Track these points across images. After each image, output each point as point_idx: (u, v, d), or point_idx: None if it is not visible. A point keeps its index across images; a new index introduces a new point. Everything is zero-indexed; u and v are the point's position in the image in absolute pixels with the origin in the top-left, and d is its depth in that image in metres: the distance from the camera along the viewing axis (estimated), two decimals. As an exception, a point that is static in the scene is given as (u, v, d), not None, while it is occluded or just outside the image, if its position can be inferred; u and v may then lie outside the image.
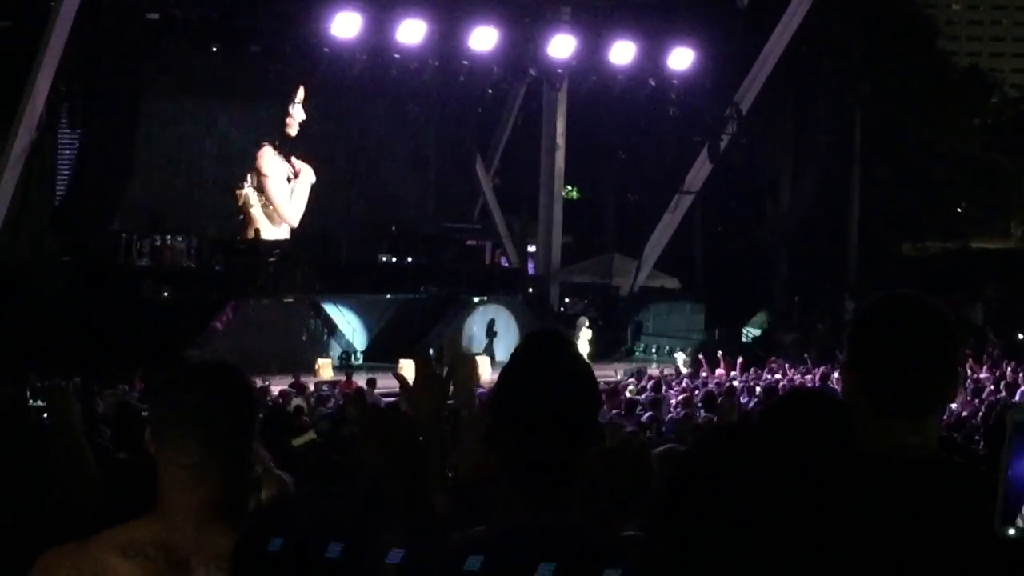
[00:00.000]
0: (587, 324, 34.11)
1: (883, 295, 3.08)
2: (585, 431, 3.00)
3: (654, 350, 37.57)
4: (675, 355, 35.32)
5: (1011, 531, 2.36)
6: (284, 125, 35.71)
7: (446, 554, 2.58)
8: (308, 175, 36.28)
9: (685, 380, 27.71)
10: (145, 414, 9.92)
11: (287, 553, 2.59)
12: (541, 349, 3.07)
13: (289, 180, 36.10)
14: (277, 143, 35.68)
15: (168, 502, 3.07)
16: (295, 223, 36.00)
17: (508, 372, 3.06)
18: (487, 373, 29.78)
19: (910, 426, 2.90)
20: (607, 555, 2.44)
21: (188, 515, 3.04)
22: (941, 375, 2.96)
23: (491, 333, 34.53)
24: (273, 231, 35.17)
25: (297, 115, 35.66)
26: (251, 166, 35.57)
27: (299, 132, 35.96)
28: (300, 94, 35.47)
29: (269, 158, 35.50)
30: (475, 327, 34.65)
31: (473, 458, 3.43)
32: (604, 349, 37.07)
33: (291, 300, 32.36)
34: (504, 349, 33.59)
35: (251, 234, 34.19)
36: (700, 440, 2.77)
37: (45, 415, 6.24)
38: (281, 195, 35.73)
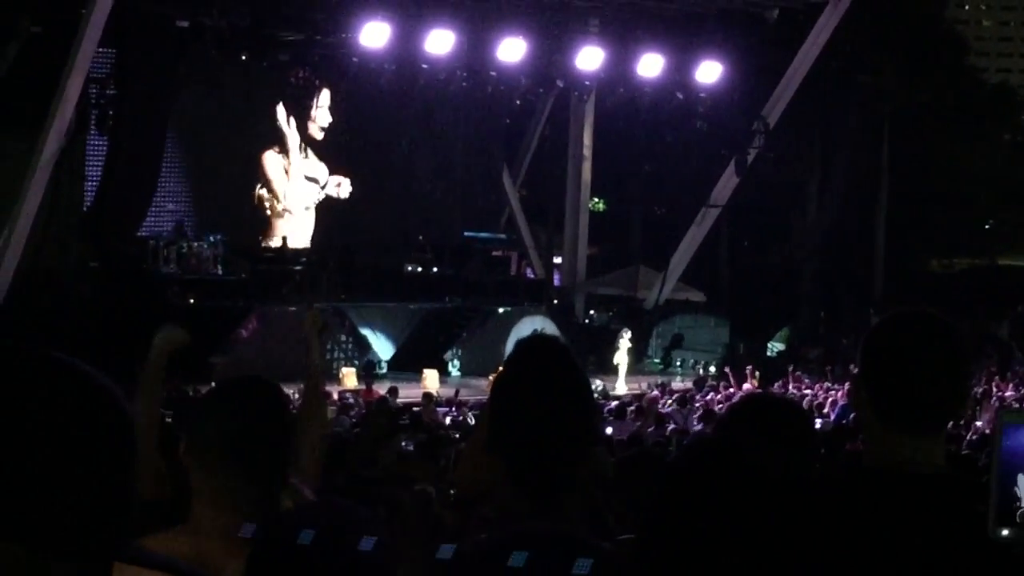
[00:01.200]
0: (629, 335, 34.02)
1: (897, 311, 3.09)
2: (582, 435, 3.01)
3: (679, 363, 37.52)
4: (704, 369, 35.29)
5: (1005, 532, 2.36)
6: (305, 128, 35.77)
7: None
8: (346, 187, 36.47)
9: (708, 393, 27.66)
10: (169, 420, 9.95)
11: (317, 546, 2.59)
12: (537, 355, 3.09)
13: (316, 182, 36.18)
14: (284, 147, 35.66)
15: (200, 516, 3.07)
16: (303, 219, 36.08)
17: (505, 378, 3.08)
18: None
19: (918, 442, 2.90)
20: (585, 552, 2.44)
21: (220, 531, 3.02)
22: (951, 392, 2.96)
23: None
24: (296, 233, 35.21)
25: (320, 119, 35.69)
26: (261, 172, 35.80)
27: (326, 138, 36.04)
28: (324, 97, 35.50)
29: (269, 161, 35.50)
30: (517, 338, 34.66)
31: (473, 473, 3.43)
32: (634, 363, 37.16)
33: (316, 308, 32.38)
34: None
35: (276, 241, 34.30)
36: (683, 449, 2.78)
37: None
38: (292, 196, 35.74)
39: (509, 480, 2.99)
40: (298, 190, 35.88)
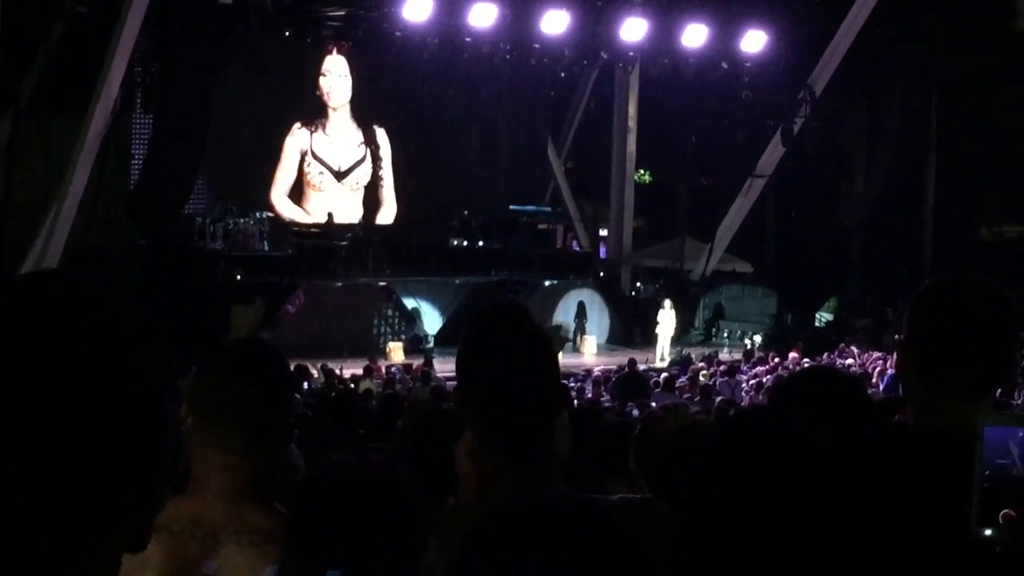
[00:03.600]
0: (670, 305, 33.92)
1: (943, 277, 3.07)
2: (550, 395, 3.04)
3: (726, 334, 37.40)
4: (751, 340, 35.17)
5: (988, 532, 2.35)
6: (318, 98, 35.68)
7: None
8: (383, 142, 36.47)
9: (756, 365, 27.58)
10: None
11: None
12: (500, 318, 3.14)
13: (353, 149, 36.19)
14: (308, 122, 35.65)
15: (202, 480, 3.08)
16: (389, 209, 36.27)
17: (470, 345, 3.11)
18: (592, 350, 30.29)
19: (964, 408, 2.87)
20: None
21: (221, 493, 3.05)
22: (997, 359, 2.94)
23: (581, 315, 34.68)
24: (341, 209, 35.26)
25: (325, 86, 35.51)
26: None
27: (369, 111, 35.98)
28: (326, 63, 35.33)
29: (292, 135, 35.50)
30: (564, 311, 34.82)
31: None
32: (681, 333, 37.09)
33: (362, 283, 32.50)
34: (594, 329, 34.03)
35: (318, 216, 34.40)
36: (729, 421, 2.76)
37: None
38: (310, 172, 35.77)
39: (485, 445, 3.02)
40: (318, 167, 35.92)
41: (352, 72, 35.42)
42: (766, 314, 38.13)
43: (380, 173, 36.61)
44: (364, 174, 36.32)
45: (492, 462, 3.01)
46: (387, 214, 36.58)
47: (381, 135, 36.55)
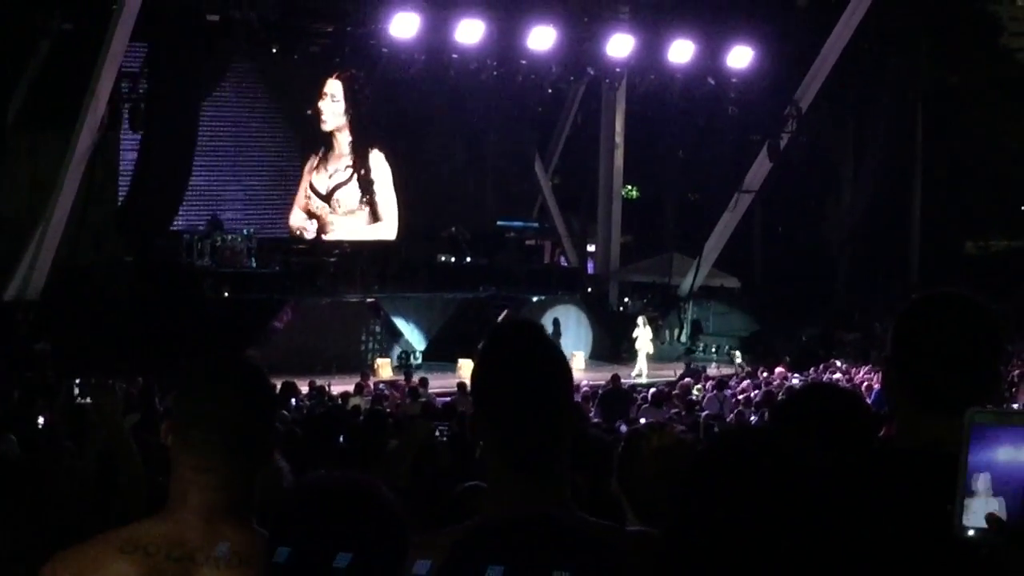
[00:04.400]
0: (646, 323, 34.00)
1: (927, 293, 3.08)
2: (566, 411, 3.05)
3: (713, 350, 37.42)
4: (734, 355, 35.21)
5: (971, 532, 2.36)
6: (317, 123, 35.79)
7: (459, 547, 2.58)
8: (380, 165, 36.56)
9: (745, 380, 27.60)
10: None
11: (293, 565, 2.61)
12: (516, 336, 3.12)
13: (349, 172, 36.26)
14: (318, 153, 35.85)
15: (180, 499, 3.02)
16: (387, 226, 36.36)
17: (485, 361, 3.10)
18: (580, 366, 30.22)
19: (950, 423, 2.88)
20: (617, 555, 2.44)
21: (200, 513, 3.00)
22: (983, 374, 2.95)
23: (557, 332, 34.42)
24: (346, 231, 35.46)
25: (325, 109, 35.65)
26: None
27: (357, 128, 36.06)
28: (328, 86, 35.45)
29: (308, 171, 35.73)
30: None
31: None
32: (662, 349, 37.08)
33: (350, 300, 32.49)
34: (571, 346, 33.68)
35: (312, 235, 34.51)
36: (713, 439, 2.77)
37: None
38: (329, 200, 35.96)
39: (499, 460, 3.01)
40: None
41: (347, 96, 35.52)
42: (753, 329, 38.16)
43: (374, 191, 36.55)
44: (348, 195, 36.26)
45: (505, 479, 3.00)
46: (383, 231, 36.54)
47: (375, 157, 36.52)
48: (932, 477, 2.70)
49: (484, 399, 3.06)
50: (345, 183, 36.26)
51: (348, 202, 36.31)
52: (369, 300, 32.82)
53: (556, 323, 34.14)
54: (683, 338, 38.20)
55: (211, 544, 2.98)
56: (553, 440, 2.99)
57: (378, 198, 36.67)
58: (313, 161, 35.82)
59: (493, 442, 3.02)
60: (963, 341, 2.94)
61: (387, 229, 36.61)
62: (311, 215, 35.72)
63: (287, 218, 35.65)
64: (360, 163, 36.34)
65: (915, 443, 2.91)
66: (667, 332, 37.77)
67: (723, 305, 39.02)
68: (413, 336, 33.53)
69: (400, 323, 33.41)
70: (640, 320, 34.11)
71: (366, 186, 36.45)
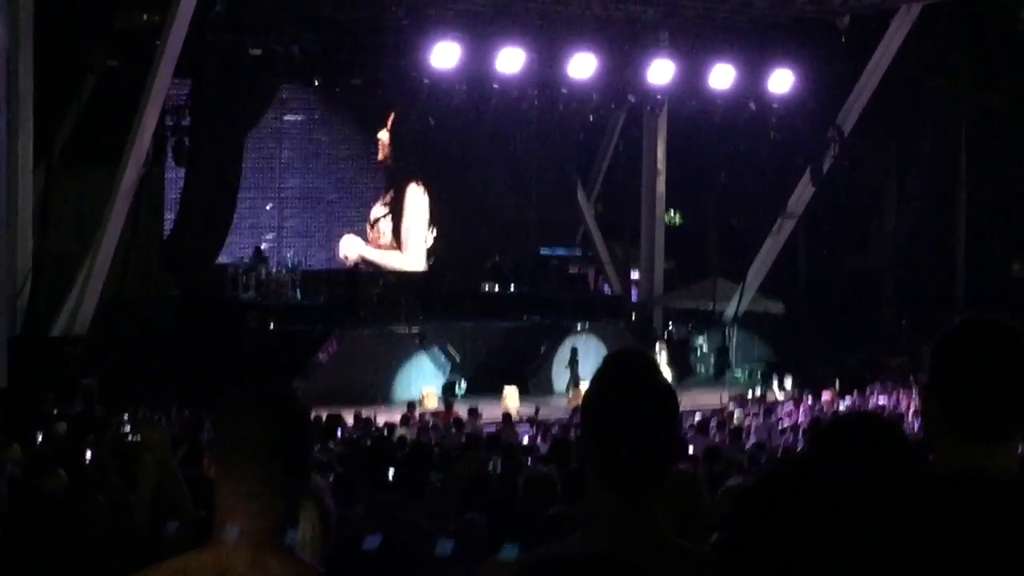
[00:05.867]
0: (660, 348, 33.97)
1: (964, 318, 3.08)
2: (669, 441, 3.16)
3: (759, 375, 37.24)
4: (779, 380, 35.03)
5: None
6: (376, 151, 36.11)
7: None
8: (416, 197, 36.79)
9: (789, 406, 27.47)
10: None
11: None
12: (627, 362, 3.24)
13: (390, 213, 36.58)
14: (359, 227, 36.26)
15: (224, 529, 3.08)
16: (416, 257, 36.63)
17: (596, 387, 3.21)
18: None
19: (990, 450, 2.89)
20: None
21: (244, 542, 3.05)
22: (1022, 399, 2.94)
23: (573, 362, 34.21)
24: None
25: (384, 139, 35.98)
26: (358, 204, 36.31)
27: (394, 157, 36.33)
28: (390, 120, 35.76)
29: (346, 246, 36.02)
30: (560, 357, 34.52)
31: None
32: (709, 374, 36.99)
33: (395, 330, 32.56)
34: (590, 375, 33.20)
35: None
36: (763, 472, 2.79)
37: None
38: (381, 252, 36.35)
39: (599, 484, 3.11)
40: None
41: (392, 135, 35.90)
42: (799, 354, 37.90)
43: (401, 225, 36.75)
44: (386, 227, 36.56)
45: (604, 502, 3.10)
46: (409, 262, 36.66)
47: (412, 191, 36.72)
48: (975, 505, 2.71)
49: (593, 422, 3.15)
50: (384, 216, 36.55)
51: (387, 234, 36.61)
52: (414, 330, 32.87)
53: (574, 353, 34.00)
54: (732, 363, 38.07)
55: (256, 573, 3.04)
56: (654, 467, 3.11)
57: (405, 230, 36.83)
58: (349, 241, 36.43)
59: (597, 465, 3.11)
60: (1003, 368, 2.93)
61: (412, 260, 36.72)
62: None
63: (335, 247, 35.86)
64: (397, 196, 36.58)
65: (957, 470, 2.91)
66: (712, 357, 37.66)
67: (768, 330, 38.84)
68: (459, 366, 33.52)
69: (445, 353, 33.40)
70: (657, 346, 34.02)
71: (397, 220, 36.69)
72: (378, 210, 36.46)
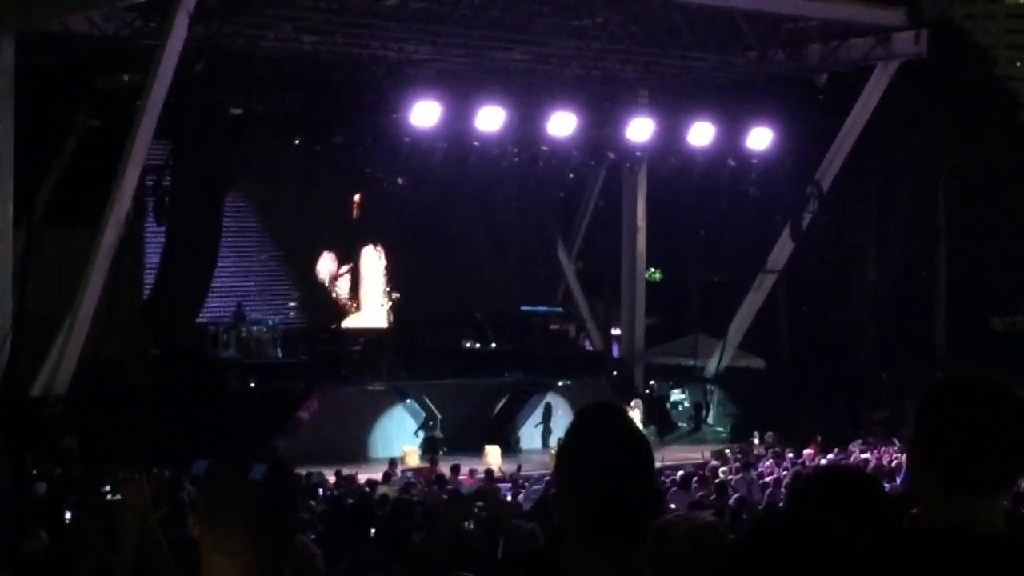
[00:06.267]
0: (634, 404, 34.01)
1: (949, 374, 3.09)
2: (648, 496, 3.09)
3: (741, 431, 37.21)
4: (763, 436, 34.99)
5: None
6: (345, 211, 36.30)
7: None
8: (372, 259, 36.91)
9: (770, 462, 27.44)
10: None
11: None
12: (599, 417, 3.17)
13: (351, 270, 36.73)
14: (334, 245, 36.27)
15: None
16: (373, 316, 36.66)
17: (570, 442, 3.15)
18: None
19: (977, 503, 2.89)
20: None
21: None
22: (1008, 454, 2.95)
23: (547, 418, 34.21)
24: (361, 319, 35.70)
25: (356, 200, 36.28)
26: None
27: (365, 217, 36.49)
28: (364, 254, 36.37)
29: (322, 263, 36.11)
30: (533, 416, 34.52)
31: None
32: (690, 430, 36.99)
33: (376, 388, 32.50)
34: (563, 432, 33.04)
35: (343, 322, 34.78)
36: (748, 527, 2.78)
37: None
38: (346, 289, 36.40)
39: (579, 541, 3.04)
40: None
41: (361, 200, 36.15)
42: (780, 409, 37.89)
43: (360, 285, 36.85)
44: (344, 287, 36.66)
45: (585, 560, 3.03)
46: (366, 321, 36.68)
47: (367, 253, 36.88)
48: (963, 560, 2.70)
49: (569, 479, 3.10)
50: (341, 275, 36.72)
51: (343, 295, 36.79)
52: (395, 388, 32.80)
53: (548, 408, 34.00)
54: (710, 419, 38.09)
55: None
56: (635, 522, 3.05)
57: (362, 290, 36.91)
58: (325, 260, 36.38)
59: (576, 521, 3.05)
60: (988, 422, 2.94)
61: (369, 319, 36.76)
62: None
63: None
64: (353, 258, 36.75)
65: (945, 524, 2.91)
66: (692, 412, 37.72)
67: (749, 386, 38.85)
68: (440, 423, 33.44)
69: (426, 410, 33.33)
70: (632, 403, 34.03)
71: (355, 280, 36.79)
72: (333, 269, 36.60)
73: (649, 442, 3.19)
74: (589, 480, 3.04)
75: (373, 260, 37.02)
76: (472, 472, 25.75)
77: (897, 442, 29.52)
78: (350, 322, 36.15)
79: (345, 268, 36.66)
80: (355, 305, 36.67)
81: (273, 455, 3.23)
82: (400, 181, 35.01)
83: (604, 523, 3.02)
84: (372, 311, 36.90)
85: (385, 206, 36.37)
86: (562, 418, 33.43)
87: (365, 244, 36.82)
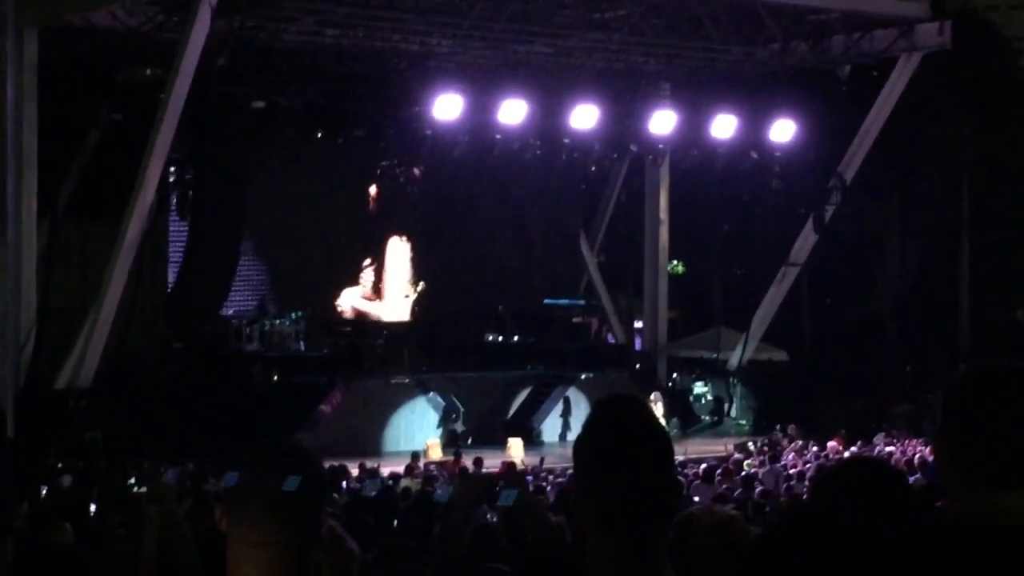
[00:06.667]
0: (656, 398, 33.96)
1: (974, 365, 3.07)
2: (667, 487, 3.08)
3: (764, 424, 37.17)
4: (785, 429, 34.93)
5: None
6: (366, 204, 36.30)
7: None
8: (398, 250, 36.96)
9: (792, 455, 27.38)
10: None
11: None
12: (615, 409, 3.16)
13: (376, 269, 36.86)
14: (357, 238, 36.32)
15: None
16: (397, 308, 36.70)
17: (588, 434, 3.13)
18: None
19: (1005, 496, 2.87)
20: None
21: None
22: None
23: (567, 412, 34.20)
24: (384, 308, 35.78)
25: (373, 192, 36.36)
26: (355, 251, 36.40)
27: (383, 209, 36.56)
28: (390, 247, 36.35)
29: (346, 299, 36.11)
30: (556, 409, 34.49)
31: None
32: (713, 424, 36.94)
33: (399, 381, 32.54)
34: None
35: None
36: (774, 519, 2.78)
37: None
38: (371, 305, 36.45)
39: (600, 533, 3.03)
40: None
41: (379, 185, 36.18)
42: (802, 402, 37.82)
43: (384, 276, 36.90)
44: (368, 279, 36.70)
45: (607, 551, 3.02)
46: (390, 313, 36.72)
47: (393, 244, 36.91)
48: (990, 552, 2.69)
49: (589, 471, 3.09)
50: (367, 267, 36.77)
51: (367, 286, 36.85)
52: (418, 381, 32.84)
53: (567, 402, 33.97)
54: (732, 412, 38.04)
55: None
56: (657, 512, 3.04)
57: (386, 282, 36.96)
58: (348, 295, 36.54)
59: (596, 515, 3.04)
60: (1014, 414, 2.92)
61: (393, 311, 36.82)
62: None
63: (335, 299, 35.97)
64: (377, 249, 36.78)
65: (971, 517, 2.89)
66: (715, 406, 37.69)
67: (772, 379, 38.79)
68: (462, 416, 33.47)
69: (449, 403, 33.36)
70: (653, 396, 33.98)
71: (379, 271, 36.84)
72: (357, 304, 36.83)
73: (668, 434, 3.17)
74: (606, 472, 3.03)
75: (399, 251, 37.05)
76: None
77: (921, 435, 29.44)
78: (372, 309, 36.17)
79: (368, 261, 36.70)
80: (378, 296, 36.74)
81: (300, 449, 3.25)
82: (417, 172, 34.99)
83: (623, 515, 3.01)
84: (396, 302, 36.94)
85: (404, 198, 36.38)
86: (584, 411, 33.40)
87: (391, 235, 36.85)
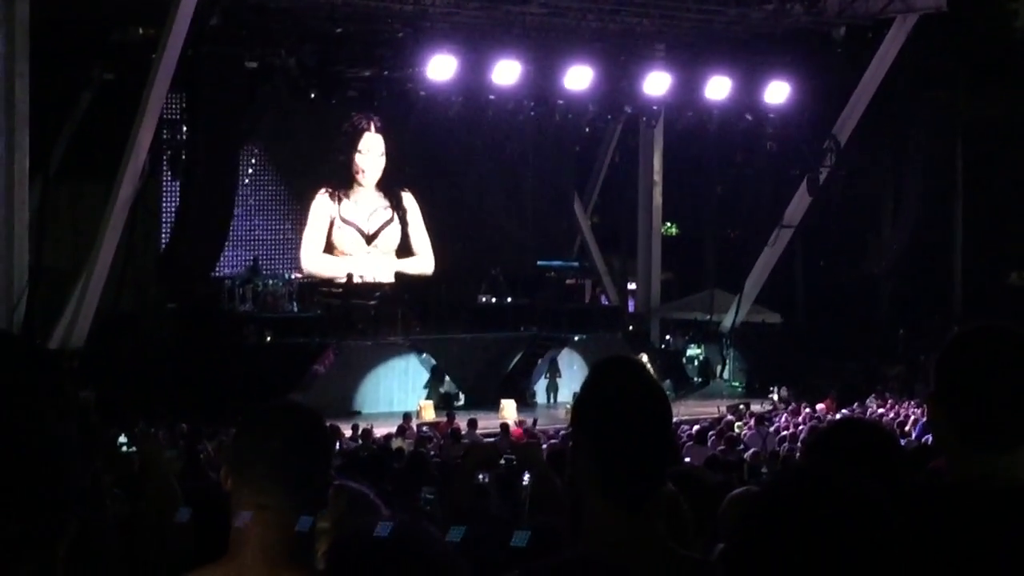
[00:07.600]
0: (646, 359, 34.03)
1: (969, 327, 3.06)
2: (665, 448, 3.12)
3: (757, 386, 37.26)
4: (776, 390, 35.02)
5: None
6: (346, 169, 35.97)
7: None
8: (412, 205, 36.79)
9: (785, 416, 27.45)
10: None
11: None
12: (616, 370, 3.18)
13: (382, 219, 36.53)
14: (334, 189, 35.90)
15: (240, 541, 3.05)
16: (425, 261, 36.55)
17: (587, 395, 3.16)
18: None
19: (998, 457, 2.87)
20: None
21: (261, 555, 3.02)
22: None
23: (553, 373, 34.23)
24: (368, 271, 35.43)
25: (362, 164, 35.89)
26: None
27: (396, 172, 36.33)
28: (363, 141, 35.70)
29: (318, 200, 35.74)
30: (546, 370, 34.51)
31: None
32: (706, 385, 37.01)
33: (392, 342, 32.54)
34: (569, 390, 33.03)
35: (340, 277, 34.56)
36: (768, 480, 2.78)
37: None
38: (338, 237, 35.97)
39: (599, 494, 3.06)
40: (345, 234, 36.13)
41: (387, 148, 35.81)
42: (795, 364, 37.89)
43: (409, 232, 36.85)
44: (392, 236, 36.51)
45: (605, 513, 3.06)
46: (423, 265, 36.72)
47: (408, 198, 36.77)
48: (986, 513, 2.69)
49: (588, 431, 3.10)
50: (388, 223, 36.46)
51: (392, 243, 36.53)
52: (411, 342, 32.85)
53: (553, 364, 34.00)
54: (725, 374, 38.11)
55: None
56: (652, 474, 3.08)
57: (413, 236, 36.91)
58: (327, 196, 35.77)
59: (593, 475, 3.07)
60: (1008, 375, 2.92)
61: (423, 263, 36.77)
62: (335, 253, 35.71)
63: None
64: (396, 204, 36.54)
65: (965, 478, 2.89)
66: (708, 367, 37.78)
67: (765, 340, 38.84)
68: (455, 378, 33.51)
69: (442, 364, 33.39)
70: (644, 357, 34.02)
71: (404, 227, 36.71)
72: (365, 219, 36.24)
73: (667, 396, 3.19)
74: (605, 433, 3.05)
75: (413, 204, 36.99)
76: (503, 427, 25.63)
77: (914, 397, 29.51)
78: (406, 267, 36.02)
79: (388, 215, 36.47)
80: (406, 252, 36.70)
81: (309, 410, 3.23)
82: (407, 133, 34.80)
83: (622, 476, 3.04)
84: (425, 257, 36.94)
85: (400, 159, 36.25)
86: (577, 373, 33.45)
87: (400, 191, 36.72)
